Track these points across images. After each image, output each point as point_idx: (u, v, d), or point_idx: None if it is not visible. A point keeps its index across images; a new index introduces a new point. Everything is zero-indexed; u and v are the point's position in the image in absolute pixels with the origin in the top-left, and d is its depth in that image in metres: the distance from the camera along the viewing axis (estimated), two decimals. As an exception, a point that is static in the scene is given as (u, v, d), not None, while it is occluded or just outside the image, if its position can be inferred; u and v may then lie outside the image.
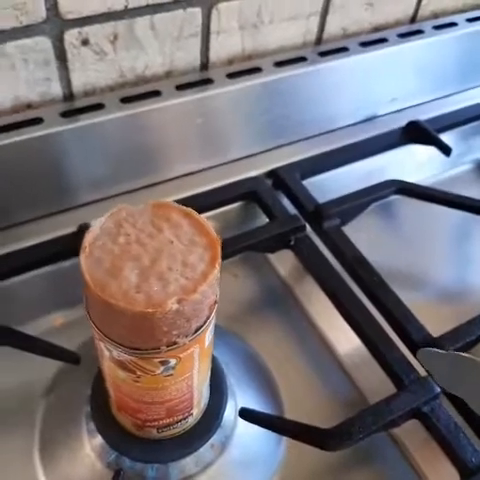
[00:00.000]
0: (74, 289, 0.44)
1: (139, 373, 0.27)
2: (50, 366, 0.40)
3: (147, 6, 0.42)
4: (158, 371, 0.27)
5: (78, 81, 0.44)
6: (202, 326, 0.26)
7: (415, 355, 0.39)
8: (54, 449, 0.37)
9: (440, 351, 0.35)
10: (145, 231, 0.26)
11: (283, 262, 0.48)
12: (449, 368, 0.34)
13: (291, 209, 0.48)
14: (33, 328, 0.42)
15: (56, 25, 0.40)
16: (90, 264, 0.24)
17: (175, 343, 0.25)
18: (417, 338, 0.38)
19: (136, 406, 0.30)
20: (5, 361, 0.39)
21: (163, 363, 0.26)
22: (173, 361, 0.26)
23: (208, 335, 0.28)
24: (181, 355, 0.26)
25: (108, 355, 0.27)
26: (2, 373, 0.40)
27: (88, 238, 0.25)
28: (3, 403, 0.39)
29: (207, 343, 0.28)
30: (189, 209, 0.27)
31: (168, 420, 0.32)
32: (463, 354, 0.33)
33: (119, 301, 0.23)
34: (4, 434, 0.38)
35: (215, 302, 0.27)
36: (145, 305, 0.23)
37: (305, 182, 0.50)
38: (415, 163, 0.56)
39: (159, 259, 0.25)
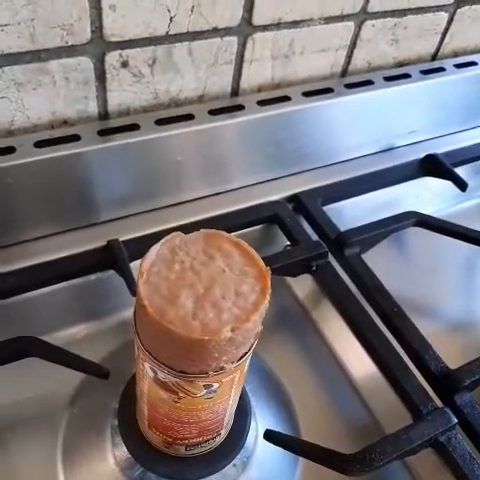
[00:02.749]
0: (98, 302, 0.46)
1: (181, 395, 0.28)
2: (74, 377, 0.41)
3: (187, 33, 0.44)
4: (200, 394, 0.28)
5: (114, 101, 0.45)
6: (247, 353, 0.27)
7: (430, 384, 0.40)
8: (77, 460, 0.38)
9: None
10: (198, 259, 0.27)
11: (301, 285, 0.50)
12: None
13: (311, 233, 0.50)
14: (57, 339, 0.42)
15: (99, 47, 0.42)
16: (148, 290, 0.25)
17: (222, 368, 0.26)
18: (435, 370, 0.40)
19: (170, 425, 0.31)
20: (30, 371, 0.39)
21: (206, 387, 0.27)
22: (216, 385, 0.28)
23: (248, 361, 0.29)
24: (224, 380, 0.27)
25: (152, 376, 0.28)
26: (27, 383, 0.41)
27: (145, 265, 0.26)
28: (27, 412, 0.40)
29: (246, 368, 0.29)
30: (239, 240, 0.28)
31: (198, 439, 0.33)
32: None
33: (177, 327, 0.24)
34: (27, 443, 0.38)
35: (260, 330, 0.28)
36: (201, 332, 0.24)
37: (325, 208, 0.52)
38: (430, 195, 0.58)
39: (213, 287, 0.26)
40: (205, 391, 0.28)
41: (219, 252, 0.27)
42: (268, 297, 0.26)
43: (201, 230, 0.28)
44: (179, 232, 0.28)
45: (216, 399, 0.29)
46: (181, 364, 0.26)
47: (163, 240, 0.27)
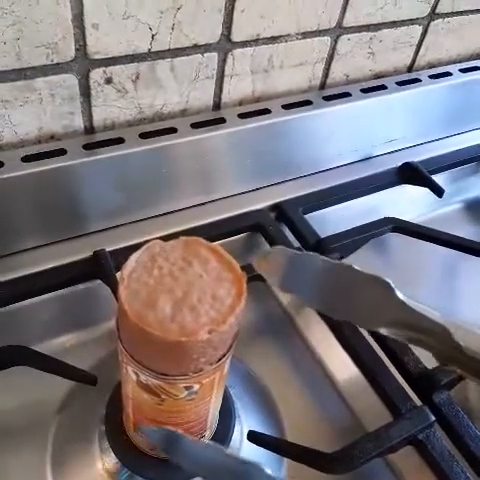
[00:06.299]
0: (86, 312, 0.47)
1: (163, 397, 0.29)
2: (62, 385, 0.42)
3: (169, 50, 0.45)
4: (181, 395, 0.29)
5: (99, 116, 0.47)
6: (226, 354, 0.28)
7: (409, 384, 0.41)
8: (66, 467, 0.38)
9: (268, 250, 0.32)
10: (177, 265, 0.28)
11: (285, 292, 0.51)
12: (282, 267, 0.31)
13: (293, 240, 0.51)
14: (45, 349, 0.43)
15: (83, 64, 0.43)
16: (128, 295, 0.26)
17: (201, 370, 0.27)
18: (413, 370, 0.41)
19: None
20: (18, 379, 0.40)
21: (187, 388, 0.29)
22: (196, 386, 0.29)
23: (228, 362, 0.30)
24: (204, 381, 0.29)
25: (135, 379, 0.29)
26: (15, 391, 0.42)
27: (126, 271, 0.27)
28: (16, 420, 0.41)
29: (226, 370, 0.31)
30: (216, 246, 0.29)
31: (183, 441, 0.34)
32: (287, 249, 0.30)
33: (156, 330, 0.25)
34: (16, 450, 0.39)
35: (237, 332, 0.29)
36: (179, 334, 0.25)
37: (306, 216, 0.53)
38: (408, 201, 0.60)
39: (190, 292, 0.27)
40: (186, 392, 0.29)
41: (197, 258, 0.28)
42: (244, 300, 0.27)
43: (180, 237, 0.29)
44: (159, 240, 0.29)
45: (197, 400, 0.30)
46: (161, 366, 0.27)
47: (143, 248, 0.28)
